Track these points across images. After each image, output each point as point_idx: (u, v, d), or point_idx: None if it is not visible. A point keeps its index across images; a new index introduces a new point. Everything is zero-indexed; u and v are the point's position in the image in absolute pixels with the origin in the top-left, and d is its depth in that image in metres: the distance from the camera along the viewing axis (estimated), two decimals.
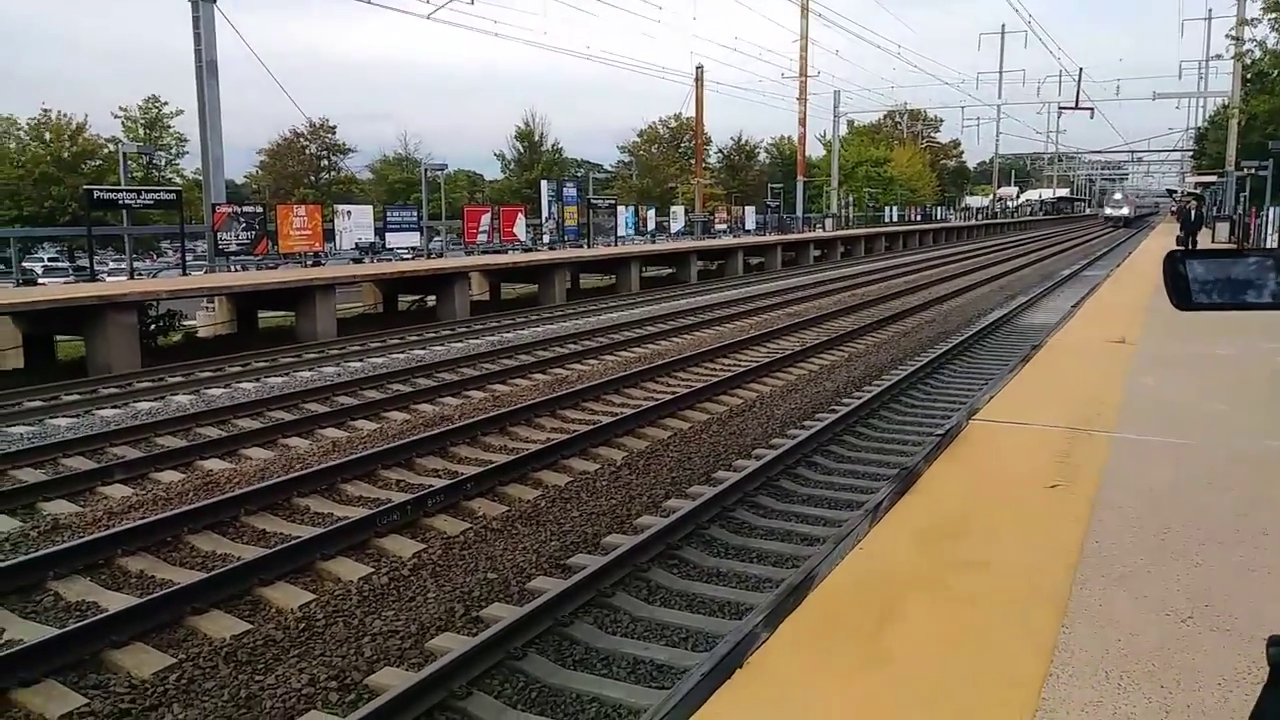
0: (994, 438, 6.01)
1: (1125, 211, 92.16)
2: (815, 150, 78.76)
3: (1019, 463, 5.42)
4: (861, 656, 3.02)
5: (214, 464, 9.69)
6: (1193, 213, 33.21)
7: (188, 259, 23.92)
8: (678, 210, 48.95)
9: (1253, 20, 28.18)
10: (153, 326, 19.52)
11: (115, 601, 6.31)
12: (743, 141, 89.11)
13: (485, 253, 31.24)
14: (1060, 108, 59.91)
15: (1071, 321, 12.33)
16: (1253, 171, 35.81)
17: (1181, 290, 1.23)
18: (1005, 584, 3.69)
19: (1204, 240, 33.64)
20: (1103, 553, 4.05)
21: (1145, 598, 3.63)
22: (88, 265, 22.98)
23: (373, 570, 6.88)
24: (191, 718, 4.99)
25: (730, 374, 13.88)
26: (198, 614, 6.09)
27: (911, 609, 3.42)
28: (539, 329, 20.95)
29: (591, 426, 10.69)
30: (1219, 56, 46.22)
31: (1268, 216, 29.14)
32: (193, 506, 7.90)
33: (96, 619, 5.84)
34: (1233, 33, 32.70)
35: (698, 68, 36.24)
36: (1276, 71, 29.32)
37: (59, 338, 18.50)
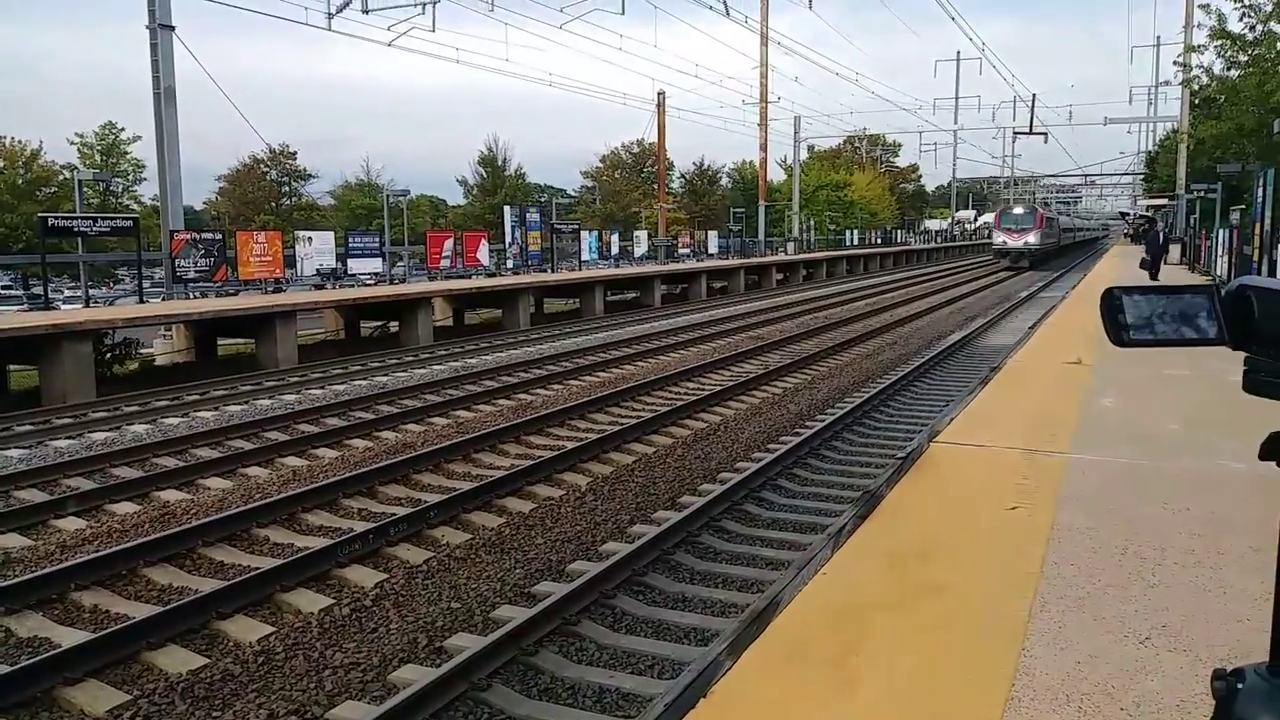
0: (955, 460, 6.07)
1: (1030, 241, 53.33)
2: (776, 175, 79.58)
3: (979, 485, 5.48)
4: (826, 684, 3.02)
5: (171, 495, 9.52)
6: (1160, 236, 32.48)
7: (146, 286, 23.58)
8: (641, 235, 49.14)
9: (1199, 47, 28.92)
10: (108, 355, 19.20)
11: (68, 637, 6.17)
12: (705, 166, 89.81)
13: (449, 278, 31.13)
14: (1015, 132, 61.08)
15: (1029, 343, 12.53)
16: (1202, 194, 36.66)
17: (1119, 325, 1.26)
18: (968, 608, 3.71)
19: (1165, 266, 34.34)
20: (1062, 575, 4.09)
21: (1103, 619, 3.67)
22: (42, 293, 22.59)
23: (334, 601, 6.79)
24: None
25: (695, 398, 13.90)
26: (153, 649, 5.96)
27: (875, 635, 3.43)
28: (503, 354, 20.88)
29: (556, 452, 10.65)
30: (1167, 83, 47.46)
31: (1217, 238, 29.80)
32: (148, 539, 7.75)
33: (48, 655, 5.70)
34: (1180, 59, 33.56)
35: (659, 94, 36.59)
36: (1223, 98, 30.07)
37: (12, 367, 18.15)
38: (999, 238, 55.47)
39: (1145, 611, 3.75)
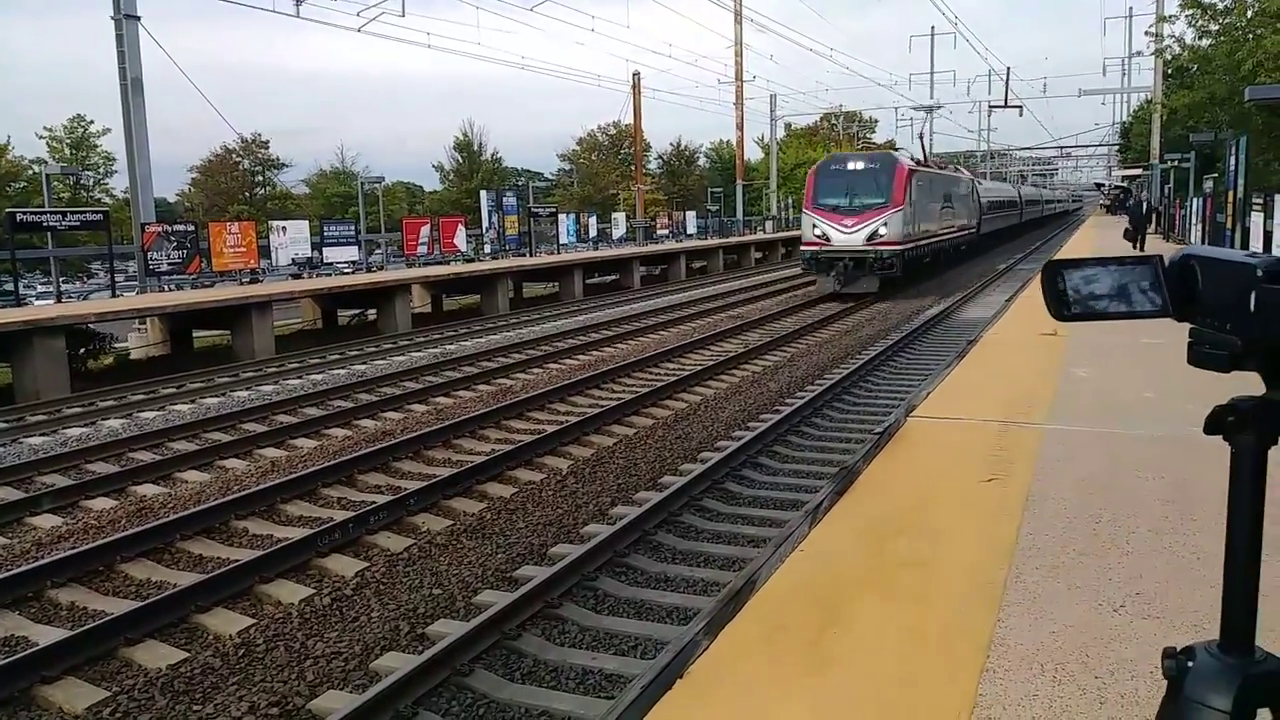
0: (932, 434, 6.09)
1: (879, 233, 24.65)
2: (754, 153, 79.40)
3: (956, 458, 5.50)
4: (803, 662, 3.02)
5: (148, 489, 9.45)
6: (1143, 204, 31.76)
7: (119, 280, 23.31)
8: (619, 217, 48.98)
9: (1171, 17, 29.05)
10: (82, 350, 18.99)
11: (45, 635, 6.11)
12: (682, 147, 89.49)
13: (426, 264, 30.95)
14: (990, 106, 61.11)
15: (1005, 316, 12.59)
16: (1175, 164, 36.88)
17: (1061, 299, 1.24)
18: (944, 580, 3.73)
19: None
20: (1037, 544, 4.11)
21: (1078, 588, 3.69)
22: (13, 290, 22.31)
23: (314, 591, 6.76)
24: None
25: (675, 378, 13.90)
26: (131, 644, 5.92)
27: (853, 610, 3.44)
28: (482, 339, 20.79)
29: (536, 436, 10.62)
30: (1140, 53, 47.60)
31: (1191, 207, 29.99)
32: (125, 534, 7.68)
33: (25, 654, 5.65)
34: (1152, 29, 33.67)
35: (634, 75, 36.39)
36: (1195, 67, 30.20)
37: None
38: (812, 227, 25.94)
39: (1119, 579, 3.78)
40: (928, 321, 19.76)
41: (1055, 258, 1.27)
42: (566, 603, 6.41)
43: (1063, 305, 1.24)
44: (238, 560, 7.18)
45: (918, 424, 6.36)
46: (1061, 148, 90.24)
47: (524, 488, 9.07)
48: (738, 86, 37.00)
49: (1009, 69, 50.79)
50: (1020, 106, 57.78)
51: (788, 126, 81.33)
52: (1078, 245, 29.59)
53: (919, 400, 7.14)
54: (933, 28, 55.13)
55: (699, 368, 14.80)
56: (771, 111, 53.30)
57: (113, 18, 16.01)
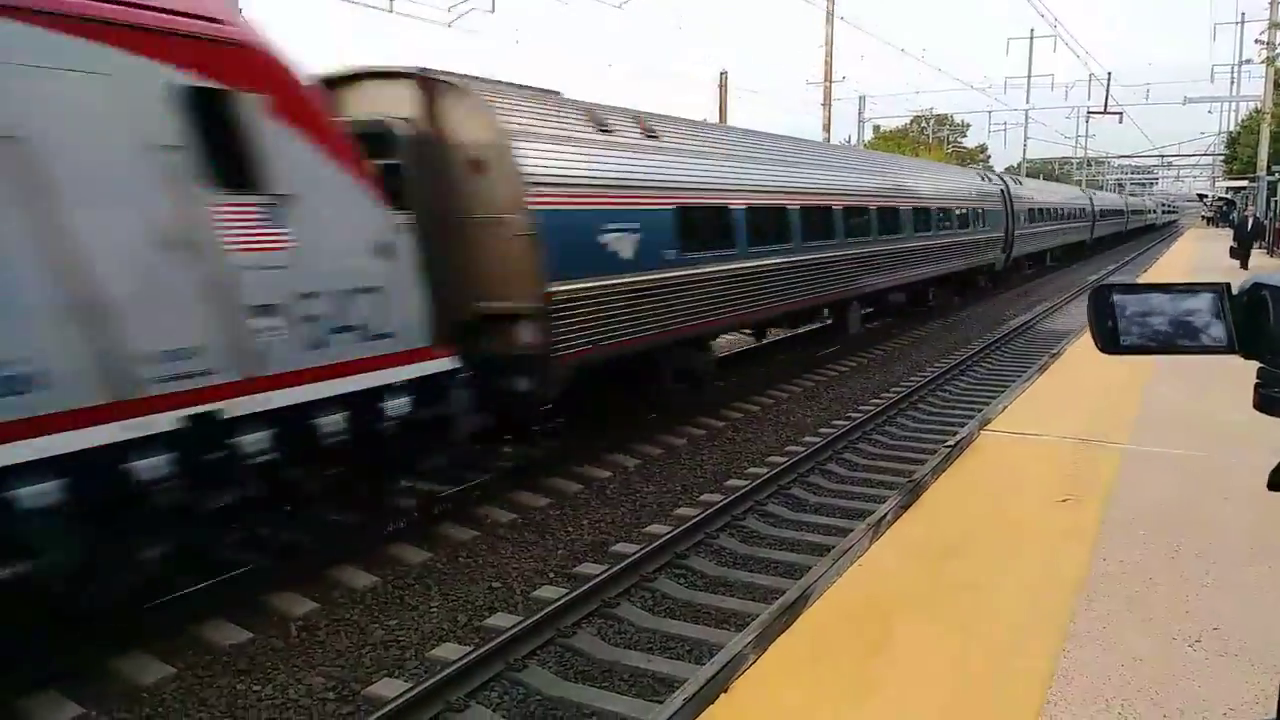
0: (1004, 449, 5.89)
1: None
2: None
3: (1028, 476, 5.30)
4: (848, 686, 2.93)
5: None
6: (1250, 220, 28.00)
7: None
8: None
9: None
10: None
11: None
12: None
13: None
14: (1089, 112, 59.18)
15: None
16: None
17: (1108, 330, 1.11)
18: (1005, 605, 3.59)
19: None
20: (1109, 571, 3.94)
21: (1151, 620, 3.51)
22: None
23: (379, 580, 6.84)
24: None
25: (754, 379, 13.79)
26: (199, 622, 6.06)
27: (906, 633, 3.33)
28: None
29: None
30: (1250, 61, 45.58)
31: None
32: None
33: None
34: (1263, 36, 32.23)
35: (722, 74, 36.14)
36: None
37: None
38: None
39: (1196, 613, 3.59)
40: (1009, 332, 19.25)
41: (1107, 281, 1.14)
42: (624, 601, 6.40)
43: (1112, 336, 1.11)
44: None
45: (991, 438, 6.16)
46: (1163, 156, 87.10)
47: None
48: (826, 87, 36.48)
49: (1110, 74, 49.18)
50: (1120, 113, 55.88)
51: (876, 129, 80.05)
52: (1171, 262, 28.51)
53: (994, 414, 6.92)
54: (1032, 30, 53.63)
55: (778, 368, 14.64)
56: (860, 113, 52.54)
57: None
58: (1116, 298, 1.10)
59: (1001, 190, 26.70)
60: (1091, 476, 5.24)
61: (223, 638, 5.91)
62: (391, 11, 18.63)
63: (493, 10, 19.82)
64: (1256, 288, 1.04)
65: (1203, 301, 1.05)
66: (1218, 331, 1.04)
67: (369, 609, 6.40)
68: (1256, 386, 1.02)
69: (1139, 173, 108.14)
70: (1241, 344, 1.02)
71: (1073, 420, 6.56)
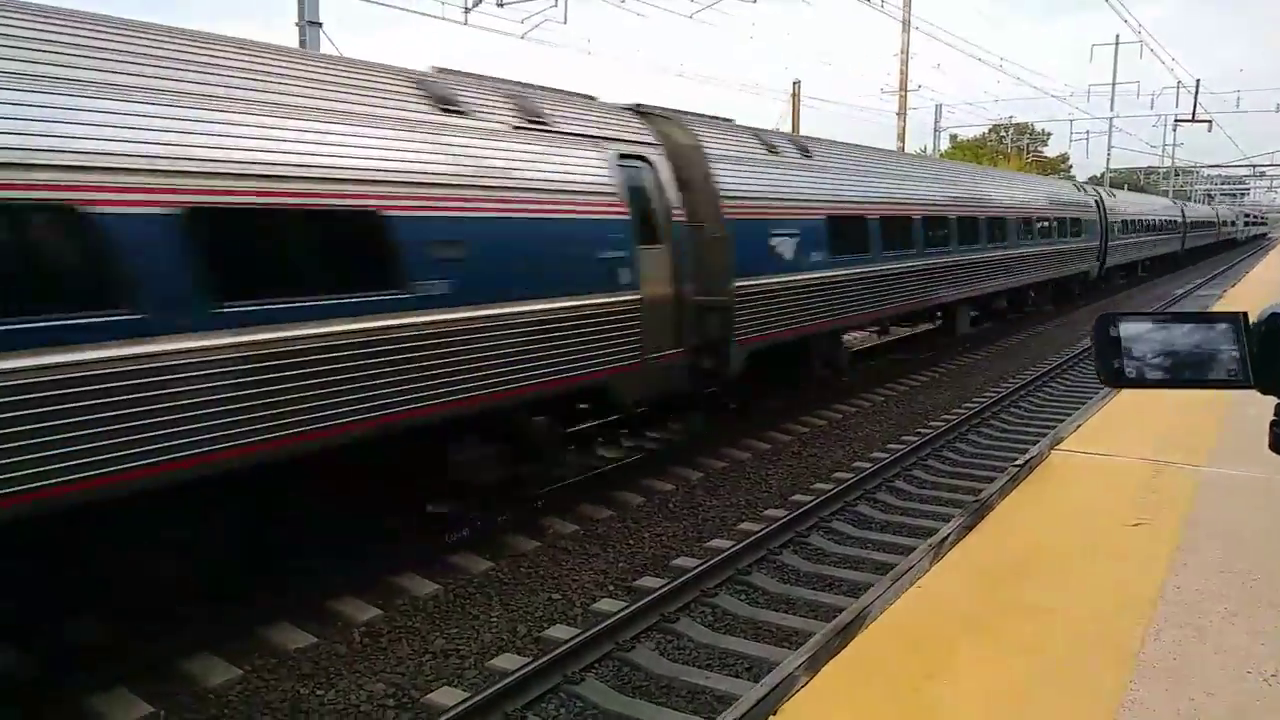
0: (1076, 469, 5.71)
1: None
2: None
3: (1100, 497, 5.13)
4: (903, 709, 2.86)
5: None
6: None
7: None
8: None
9: None
10: None
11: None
12: None
13: None
14: (1176, 120, 57.41)
15: None
16: None
17: (1113, 360, 1.02)
18: (1071, 632, 3.46)
19: None
20: (1183, 599, 3.78)
21: (1226, 651, 3.36)
22: None
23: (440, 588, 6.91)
24: None
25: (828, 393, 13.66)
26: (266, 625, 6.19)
27: (965, 658, 3.23)
28: None
29: None
30: None
31: None
32: None
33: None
34: None
35: (794, 83, 35.92)
36: None
37: None
38: None
39: (1275, 645, 3.42)
40: (1089, 347, 18.71)
41: (1112, 311, 1.04)
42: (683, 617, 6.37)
43: (1116, 368, 1.02)
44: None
45: (1062, 458, 5.98)
46: (1254, 165, 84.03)
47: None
48: (901, 96, 36.02)
49: (1198, 81, 47.65)
50: (1209, 121, 54.11)
51: (953, 138, 78.76)
52: (1262, 275, 27.46)
53: (1066, 432, 6.72)
54: (1117, 37, 52.24)
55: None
56: (936, 122, 51.77)
57: (296, 24, 16.93)
58: (1124, 326, 1.01)
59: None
60: (1167, 500, 5.04)
61: (288, 641, 6.04)
62: (466, 24, 18.94)
63: (565, 21, 20.01)
64: (1275, 318, 0.94)
65: (1219, 332, 0.96)
66: (1234, 365, 0.94)
67: (430, 617, 6.48)
68: (1272, 425, 0.94)
69: (1229, 183, 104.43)
70: (1258, 378, 0.93)
71: (1149, 440, 6.33)
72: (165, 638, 5.81)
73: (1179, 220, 44.34)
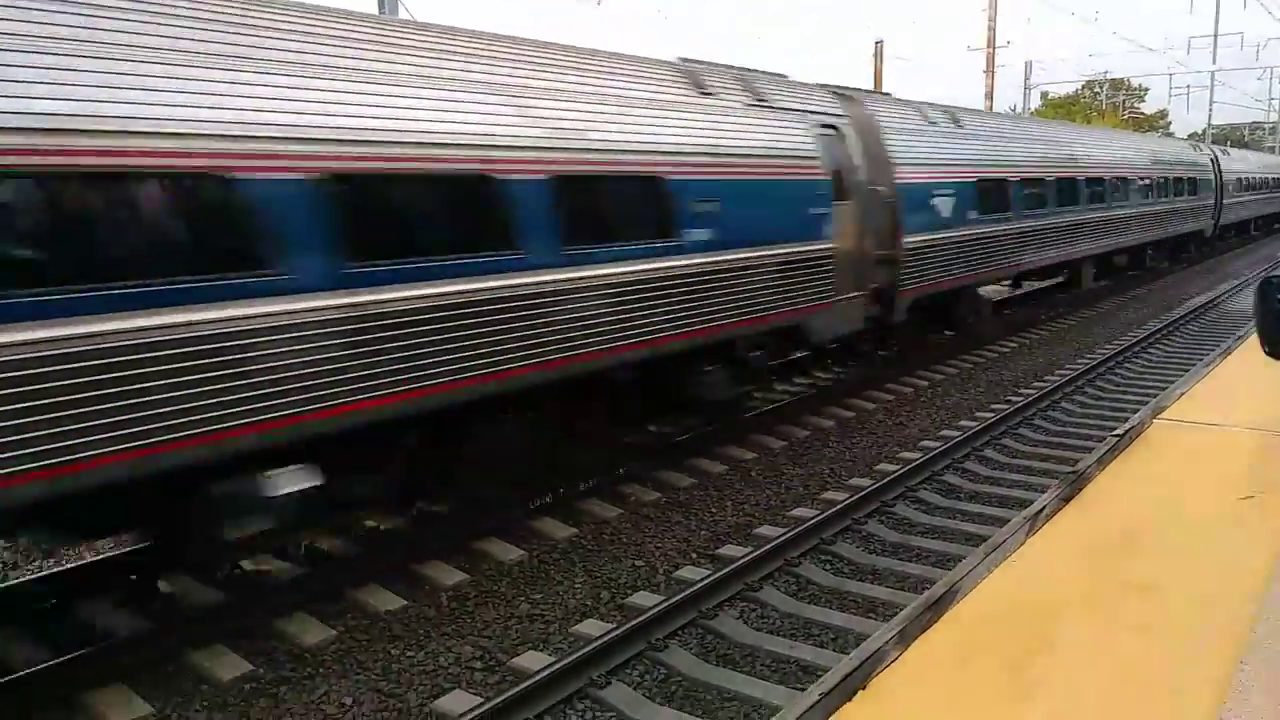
0: (1180, 440, 5.48)
1: None
2: None
3: (1206, 469, 4.91)
4: (1001, 688, 2.77)
5: None
6: None
7: None
8: None
9: None
10: None
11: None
12: None
13: None
14: None
15: None
16: None
17: (1277, 331, 0.91)
18: (1178, 610, 3.32)
19: None
20: None
21: None
22: None
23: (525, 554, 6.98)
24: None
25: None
26: (357, 587, 6.33)
27: (1066, 635, 3.12)
28: None
29: None
30: None
31: None
32: None
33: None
34: None
35: (877, 42, 35.06)
36: None
37: None
38: None
39: None
40: (1193, 310, 17.97)
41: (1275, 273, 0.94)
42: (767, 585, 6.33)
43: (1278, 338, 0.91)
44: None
45: (1165, 427, 5.74)
46: None
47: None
48: (989, 53, 34.86)
49: None
50: None
51: (1044, 95, 76.00)
52: None
53: (1169, 400, 6.45)
54: None
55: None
56: (1026, 79, 50.05)
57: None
58: None
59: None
60: (1278, 474, 4.81)
61: (380, 603, 6.17)
62: None
63: None
64: None
65: None
66: None
67: (515, 582, 6.56)
68: None
69: None
70: None
71: (1260, 409, 6.04)
72: (264, 599, 5.99)
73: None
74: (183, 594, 6.20)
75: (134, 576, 6.20)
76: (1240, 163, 33.24)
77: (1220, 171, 28.44)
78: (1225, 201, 28.95)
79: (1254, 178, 34.41)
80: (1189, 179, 25.04)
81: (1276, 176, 39.13)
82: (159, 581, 6.25)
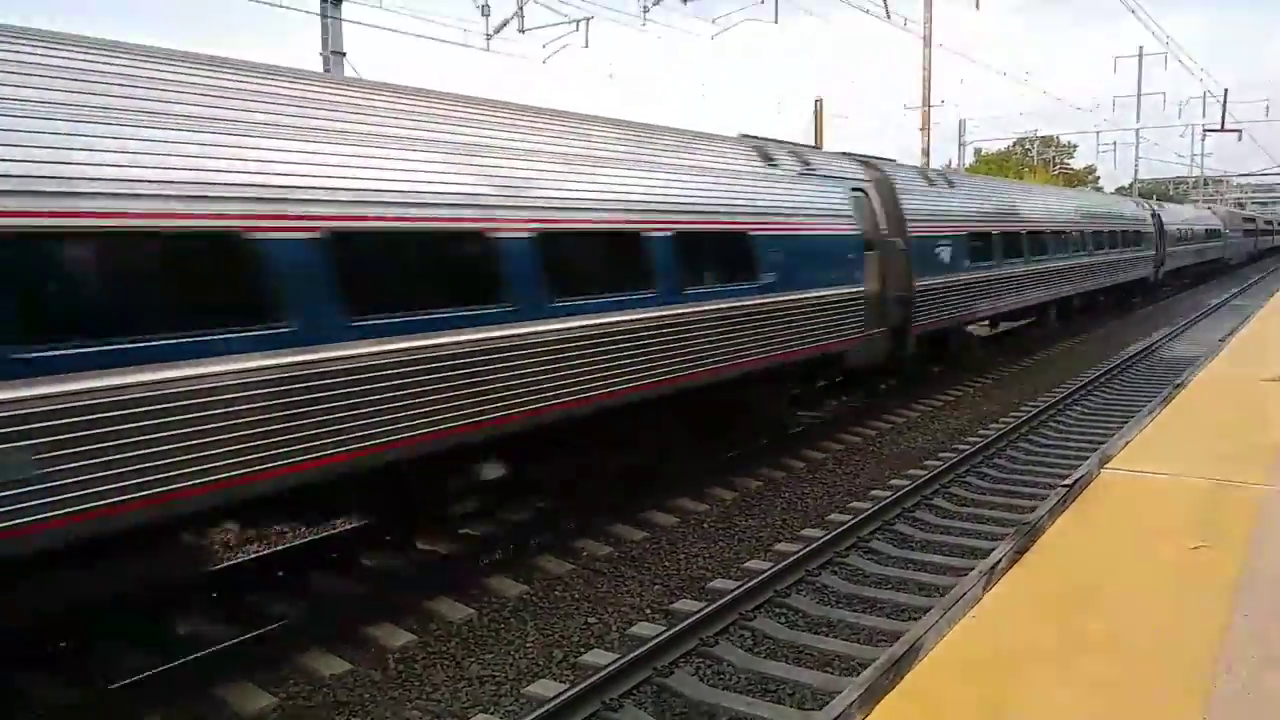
0: (1129, 490, 5.53)
1: None
2: None
3: (1157, 519, 4.95)
4: None
5: None
6: None
7: None
8: None
9: None
10: None
11: None
12: None
13: None
14: (1205, 130, 56.68)
15: (1220, 356, 11.48)
16: None
17: None
18: (1139, 665, 3.31)
19: None
20: (1255, 629, 3.61)
21: None
22: None
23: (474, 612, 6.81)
24: None
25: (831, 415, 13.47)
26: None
27: (1026, 694, 3.09)
28: None
29: None
30: None
31: None
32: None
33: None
34: None
35: (817, 100, 35.77)
36: None
37: None
38: None
39: None
40: (1130, 357, 18.38)
41: None
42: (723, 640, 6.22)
43: None
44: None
45: (1113, 477, 5.80)
46: None
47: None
48: (924, 112, 35.76)
49: (1226, 90, 47.02)
50: (1239, 130, 53.40)
51: (977, 152, 78.18)
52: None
53: (1115, 450, 6.53)
54: (1140, 48, 51.70)
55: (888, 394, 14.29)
56: (960, 136, 51.45)
57: (321, 54, 17.04)
58: None
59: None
60: (1229, 520, 4.86)
61: (323, 668, 5.95)
62: (488, 50, 18.98)
63: (586, 45, 20.02)
64: None
65: None
66: None
67: (465, 642, 6.38)
68: None
69: (1260, 191, 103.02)
70: None
71: (1204, 458, 6.14)
72: (200, 666, 5.74)
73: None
74: (118, 657, 5.90)
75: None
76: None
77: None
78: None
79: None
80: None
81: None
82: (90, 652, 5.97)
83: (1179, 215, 37.95)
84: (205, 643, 6.25)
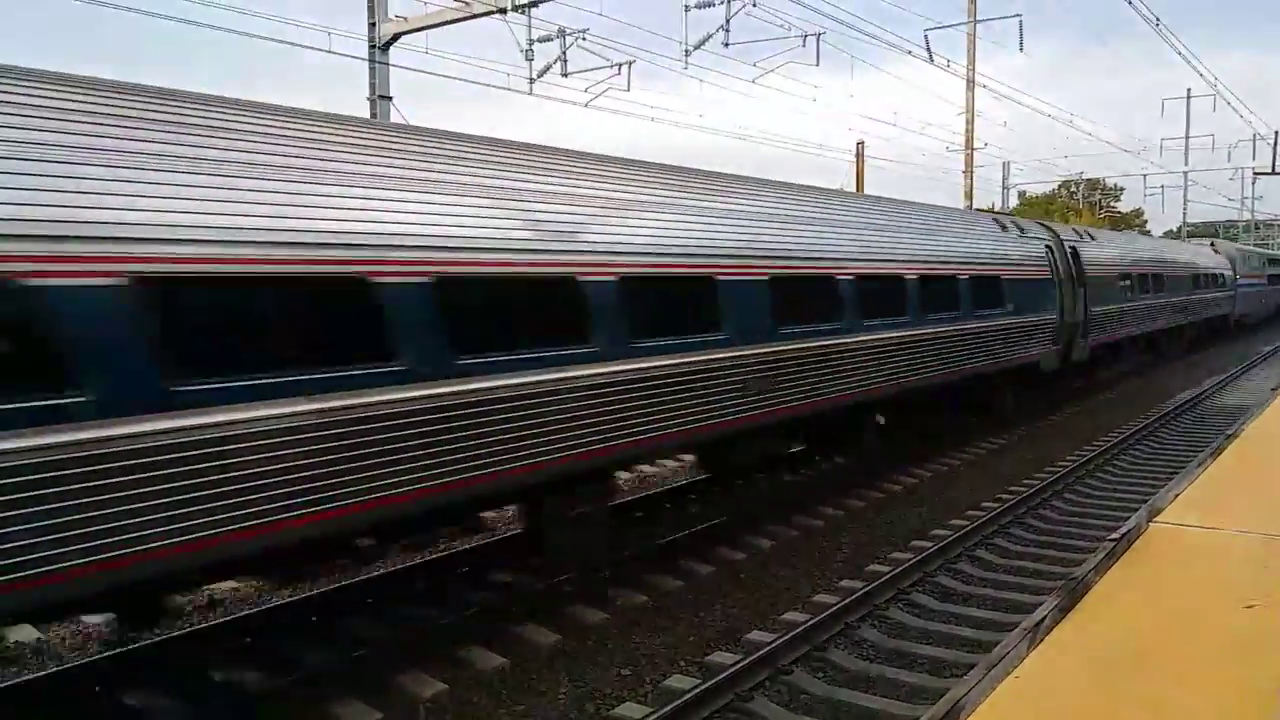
0: (1179, 544, 5.34)
1: None
2: None
3: (1209, 575, 4.77)
4: None
5: None
6: None
7: None
8: None
9: None
10: None
11: None
12: None
13: None
14: (1255, 173, 55.86)
15: (1273, 405, 11.17)
16: None
17: None
18: None
19: None
20: None
21: None
22: None
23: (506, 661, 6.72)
24: None
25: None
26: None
27: None
28: None
29: None
30: None
31: None
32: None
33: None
34: None
35: (858, 144, 35.83)
36: None
37: None
38: None
39: None
40: (1178, 406, 17.98)
41: None
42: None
43: None
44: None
45: (1162, 531, 5.60)
46: None
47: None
48: (967, 154, 35.62)
49: (1277, 132, 46.38)
50: None
51: (1021, 195, 77.58)
52: None
53: (1164, 502, 6.32)
54: (1188, 90, 51.21)
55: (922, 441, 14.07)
56: (1004, 179, 51.17)
57: (368, 98, 17.41)
58: None
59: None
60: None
61: (353, 716, 5.89)
62: (531, 94, 19.24)
63: (628, 89, 20.22)
64: None
65: None
66: None
67: (496, 692, 6.30)
68: None
69: None
70: None
71: (1259, 512, 5.93)
72: (233, 713, 5.71)
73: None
74: (152, 705, 5.89)
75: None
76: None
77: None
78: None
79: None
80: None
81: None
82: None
83: (1128, 248, 23.77)
84: (239, 691, 6.25)
